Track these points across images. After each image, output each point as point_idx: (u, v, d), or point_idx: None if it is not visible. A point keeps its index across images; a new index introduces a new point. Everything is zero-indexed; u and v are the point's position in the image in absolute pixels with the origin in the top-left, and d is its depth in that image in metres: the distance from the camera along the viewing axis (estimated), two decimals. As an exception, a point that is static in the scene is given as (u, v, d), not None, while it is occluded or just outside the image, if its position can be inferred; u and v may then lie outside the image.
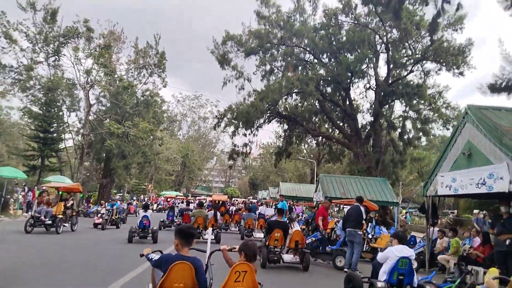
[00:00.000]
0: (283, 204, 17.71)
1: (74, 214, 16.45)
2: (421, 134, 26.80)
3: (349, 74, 27.88)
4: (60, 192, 16.50)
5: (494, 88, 11.08)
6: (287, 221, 11.88)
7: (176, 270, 3.74)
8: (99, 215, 18.81)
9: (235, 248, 4.58)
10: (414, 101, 26.74)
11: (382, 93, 28.92)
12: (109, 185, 42.63)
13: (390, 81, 28.53)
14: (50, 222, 14.63)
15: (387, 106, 29.23)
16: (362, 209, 11.37)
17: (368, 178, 26.29)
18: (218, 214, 17.27)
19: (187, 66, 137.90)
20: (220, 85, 32.21)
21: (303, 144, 44.96)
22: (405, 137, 27.57)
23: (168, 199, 40.52)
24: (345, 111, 29.99)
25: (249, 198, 75.37)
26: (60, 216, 15.12)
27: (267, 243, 10.75)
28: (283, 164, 63.73)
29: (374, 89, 30.28)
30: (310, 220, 16.52)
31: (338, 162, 37.37)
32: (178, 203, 35.50)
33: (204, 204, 18.27)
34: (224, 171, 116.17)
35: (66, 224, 15.51)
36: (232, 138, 31.06)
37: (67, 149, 38.09)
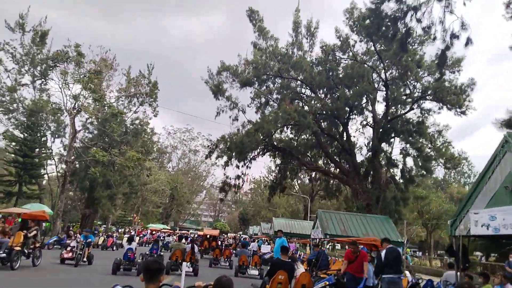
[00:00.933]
0: (282, 241, 15.67)
1: (37, 246, 13.81)
2: (423, 171, 25.26)
3: (347, 109, 26.63)
4: (20, 219, 14.06)
5: (510, 124, 11.31)
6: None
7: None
8: (69, 248, 16.23)
9: (211, 285, 3.98)
10: (414, 139, 25.42)
11: (381, 130, 27.66)
12: (92, 216, 40.05)
13: (389, 118, 27.32)
14: (3, 255, 12.18)
15: (385, 143, 27.86)
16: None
17: (369, 216, 24.42)
18: (196, 247, 17.01)
19: (181, 102, 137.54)
20: (213, 123, 30.57)
21: (296, 179, 43.11)
22: (407, 174, 26.00)
23: (153, 232, 37.92)
24: (343, 146, 28.51)
25: (239, 233, 72.58)
26: (18, 248, 12.68)
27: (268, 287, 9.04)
28: (275, 199, 61.76)
29: (372, 125, 29.05)
30: (314, 260, 14.53)
31: (334, 199, 35.46)
32: (163, 237, 33.10)
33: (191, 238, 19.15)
34: (214, 205, 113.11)
35: (25, 258, 13.04)
36: (224, 168, 29.27)
37: (49, 177, 35.79)
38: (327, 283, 10.81)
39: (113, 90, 38.76)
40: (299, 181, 51.46)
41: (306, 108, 25.94)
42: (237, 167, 31.35)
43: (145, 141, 42.40)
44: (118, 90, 39.29)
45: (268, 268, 9.18)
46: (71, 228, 31.02)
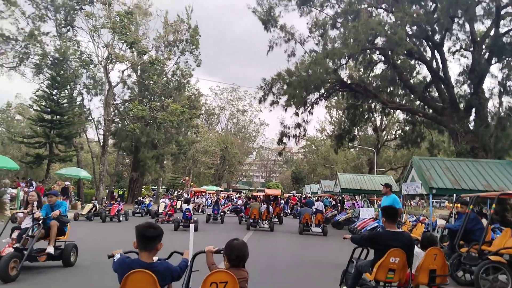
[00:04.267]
0: (393, 200, 9.57)
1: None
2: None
3: (446, 22, 19.00)
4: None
5: None
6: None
7: (132, 281, 2.80)
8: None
9: (223, 249, 3.30)
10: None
11: (487, 51, 20.06)
12: (140, 180, 35.93)
13: (501, 32, 19.59)
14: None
15: (498, 63, 20.22)
16: None
17: (484, 161, 17.53)
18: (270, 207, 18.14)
19: (224, 66, 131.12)
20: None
21: (366, 126, 36.05)
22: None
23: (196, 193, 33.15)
24: (436, 73, 21.19)
25: (292, 192, 67.35)
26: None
27: (371, 277, 4.82)
28: (331, 155, 55.30)
29: (470, 49, 21.42)
30: (460, 230, 8.33)
31: (415, 147, 28.38)
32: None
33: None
34: (265, 165, 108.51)
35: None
36: (285, 110, 23.02)
37: (88, 139, 31.67)
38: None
39: (149, 38, 33.39)
40: (361, 133, 44.35)
41: (393, 18, 18.66)
42: (296, 114, 25.15)
43: (189, 96, 37.12)
44: (156, 39, 33.85)
45: (364, 240, 5.11)
46: (114, 194, 26.86)
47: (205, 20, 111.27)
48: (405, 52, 18.77)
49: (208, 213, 20.54)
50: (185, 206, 15.94)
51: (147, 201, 20.60)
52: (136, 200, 24.03)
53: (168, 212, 18.18)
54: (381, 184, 21.00)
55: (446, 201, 38.34)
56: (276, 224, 20.03)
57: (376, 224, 14.36)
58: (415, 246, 5.31)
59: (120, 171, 43.87)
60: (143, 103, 29.64)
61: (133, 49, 27.57)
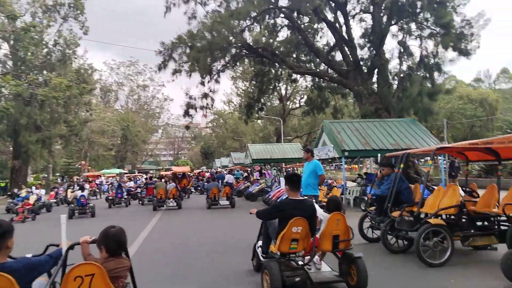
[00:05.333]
0: (315, 166, 8.47)
1: None
2: (456, 54, 18.38)
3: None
4: None
5: None
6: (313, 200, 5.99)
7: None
8: None
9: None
10: (440, 12, 18.11)
11: (386, 12, 20.21)
12: (24, 169, 30.92)
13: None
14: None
15: (397, 25, 20.49)
16: None
17: (390, 121, 17.79)
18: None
19: (120, 40, 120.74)
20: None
21: (274, 93, 35.38)
22: (431, 61, 19.06)
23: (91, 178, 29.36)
24: (341, 36, 20.87)
25: (202, 168, 65.64)
26: None
27: (274, 249, 4.70)
28: (239, 128, 54.59)
29: (370, 11, 21.49)
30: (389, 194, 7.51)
31: (320, 113, 28.54)
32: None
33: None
34: (172, 143, 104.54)
35: None
36: (190, 76, 20.80)
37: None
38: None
39: (21, 0, 27.93)
40: (268, 103, 43.98)
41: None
42: (202, 83, 23.19)
43: (78, 69, 32.51)
44: (30, 2, 28.51)
45: (269, 213, 4.89)
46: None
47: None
48: (312, 10, 17.85)
49: (110, 197, 19.50)
50: (79, 193, 15.40)
51: (23, 193, 16.95)
52: (9, 193, 20.21)
53: (27, 208, 15.07)
54: (301, 149, 20.45)
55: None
56: (184, 199, 20.43)
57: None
58: (322, 210, 5.32)
59: (4, 160, 37.64)
60: (18, 78, 24.83)
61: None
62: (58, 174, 42.24)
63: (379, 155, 13.47)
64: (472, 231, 6.59)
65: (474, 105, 31.21)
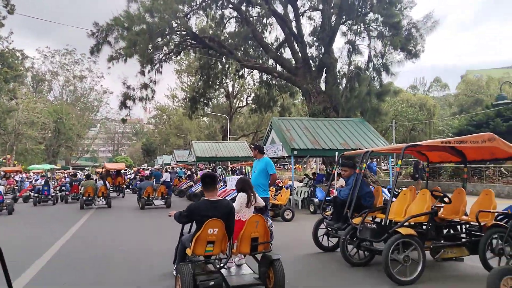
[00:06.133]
0: (266, 164, 7.30)
1: None
2: (402, 54, 18.22)
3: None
4: None
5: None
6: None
7: None
8: None
9: None
10: (389, 11, 17.87)
11: (335, 11, 19.72)
12: None
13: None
14: None
15: (345, 24, 20.04)
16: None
17: (339, 120, 17.21)
18: (107, 183, 17.19)
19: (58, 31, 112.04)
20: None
21: (220, 88, 33.88)
22: (379, 61, 18.80)
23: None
24: (291, 31, 20.02)
25: (143, 166, 62.43)
26: None
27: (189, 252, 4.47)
28: (184, 125, 52.48)
29: (319, 7, 20.91)
30: (348, 197, 6.51)
31: (268, 111, 27.65)
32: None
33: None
34: (111, 138, 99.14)
35: None
36: (125, 61, 18.70)
37: None
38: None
39: None
40: (214, 100, 42.45)
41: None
42: (142, 73, 21.19)
43: (2, 51, 28.79)
44: None
45: (184, 216, 4.63)
46: None
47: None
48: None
49: (35, 194, 17.99)
50: None
51: None
52: None
53: None
54: (250, 147, 19.14)
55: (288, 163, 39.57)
56: (118, 198, 19.94)
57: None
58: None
59: None
60: None
61: None
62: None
63: (336, 153, 12.63)
64: (442, 241, 5.78)
65: (415, 108, 32.20)
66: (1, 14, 26.64)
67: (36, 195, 17.61)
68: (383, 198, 6.97)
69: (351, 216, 6.18)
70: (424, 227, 5.91)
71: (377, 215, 6.35)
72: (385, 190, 10.62)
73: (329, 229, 6.91)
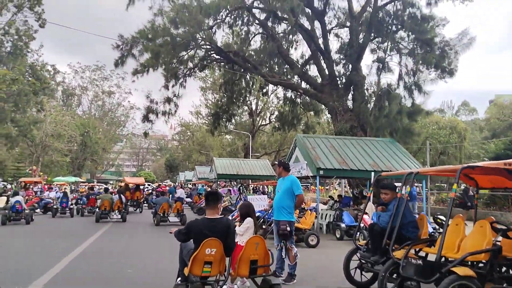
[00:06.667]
0: (292, 183, 6.45)
1: None
2: (434, 73, 17.13)
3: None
4: None
5: None
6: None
7: None
8: None
9: None
10: (421, 27, 16.93)
11: (364, 27, 18.95)
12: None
13: (379, 4, 18.64)
14: None
15: (375, 40, 19.20)
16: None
17: (368, 139, 16.14)
18: (123, 197, 16.66)
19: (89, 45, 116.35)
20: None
21: (243, 106, 33.38)
22: (410, 80, 17.76)
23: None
24: (317, 47, 19.33)
25: (165, 182, 62.30)
26: None
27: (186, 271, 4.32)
28: (207, 141, 52.18)
29: (347, 25, 20.23)
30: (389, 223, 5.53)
31: (291, 129, 26.82)
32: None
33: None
34: (136, 153, 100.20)
35: None
36: (147, 72, 18.37)
37: None
38: None
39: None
40: (236, 118, 42.01)
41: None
42: (166, 87, 20.90)
43: (32, 64, 29.36)
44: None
45: (182, 233, 4.47)
46: None
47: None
48: (290, 9, 16.08)
49: (55, 206, 18.02)
50: (14, 199, 14.64)
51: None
52: None
53: None
54: (274, 164, 18.25)
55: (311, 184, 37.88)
56: (135, 213, 19.71)
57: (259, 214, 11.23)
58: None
59: None
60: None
61: None
62: (1, 180, 38.00)
63: (372, 174, 11.61)
64: (505, 285, 4.71)
65: (446, 131, 30.66)
66: (33, 28, 27.22)
67: (55, 207, 17.57)
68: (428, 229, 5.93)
69: (392, 249, 5.19)
70: (481, 265, 4.86)
71: (422, 249, 5.34)
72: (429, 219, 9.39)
73: (363, 261, 5.90)
